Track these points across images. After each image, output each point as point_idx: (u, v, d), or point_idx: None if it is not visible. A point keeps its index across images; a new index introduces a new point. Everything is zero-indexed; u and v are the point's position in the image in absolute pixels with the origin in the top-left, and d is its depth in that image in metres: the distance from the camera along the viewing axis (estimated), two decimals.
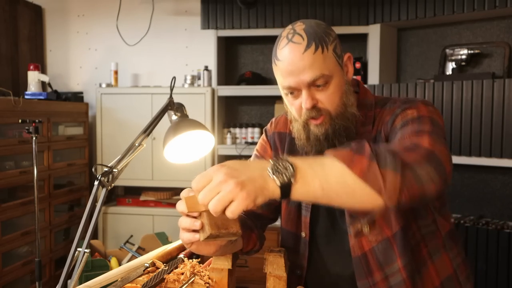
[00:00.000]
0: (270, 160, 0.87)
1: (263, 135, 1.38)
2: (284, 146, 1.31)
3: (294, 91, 1.12)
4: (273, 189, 0.85)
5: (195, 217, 0.97)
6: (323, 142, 1.14)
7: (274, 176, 0.85)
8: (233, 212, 0.83)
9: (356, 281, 1.18)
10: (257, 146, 1.39)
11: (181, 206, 0.96)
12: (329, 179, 0.86)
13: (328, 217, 1.24)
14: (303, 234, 1.27)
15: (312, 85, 1.10)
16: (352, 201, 0.89)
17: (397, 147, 0.95)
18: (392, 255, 1.14)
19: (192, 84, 3.53)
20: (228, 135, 3.52)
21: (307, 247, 1.26)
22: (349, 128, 1.14)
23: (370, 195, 0.87)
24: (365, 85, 3.18)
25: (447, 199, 1.26)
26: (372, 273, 1.16)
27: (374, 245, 1.15)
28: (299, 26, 1.11)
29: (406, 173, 0.87)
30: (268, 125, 1.39)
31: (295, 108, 1.15)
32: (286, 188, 0.85)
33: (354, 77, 1.26)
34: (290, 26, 1.13)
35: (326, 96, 1.11)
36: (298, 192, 0.86)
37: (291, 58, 1.08)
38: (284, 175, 0.85)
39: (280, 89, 1.17)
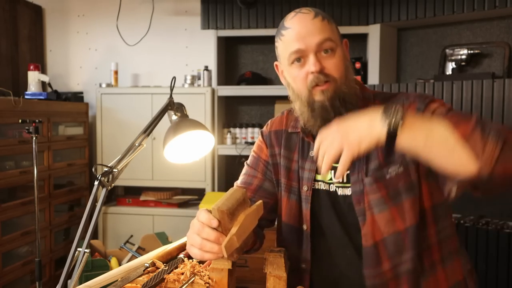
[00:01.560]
0: (382, 108, 0.94)
1: (259, 136, 1.41)
2: (281, 142, 1.33)
3: (301, 58, 1.15)
4: (379, 133, 0.94)
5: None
6: (330, 109, 1.15)
7: (384, 118, 0.94)
8: (345, 161, 0.97)
9: (361, 270, 1.18)
10: (254, 147, 1.41)
11: (205, 233, 1.00)
12: (433, 134, 0.92)
13: (333, 209, 1.25)
14: (304, 227, 1.28)
15: (319, 50, 1.14)
16: (448, 161, 0.93)
17: (495, 124, 0.95)
18: (402, 248, 1.15)
19: (192, 84, 3.53)
20: (228, 135, 3.52)
21: (309, 240, 1.27)
22: (354, 98, 1.17)
23: (467, 159, 0.90)
24: (365, 85, 3.20)
25: None
26: (381, 262, 1.17)
27: (386, 236, 1.16)
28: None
29: (506, 148, 0.90)
30: (264, 127, 1.42)
31: (300, 79, 1.17)
32: (393, 132, 0.93)
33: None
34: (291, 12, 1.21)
35: (332, 62, 1.15)
36: (404, 138, 0.93)
37: (301, 23, 1.15)
38: (394, 118, 0.93)
39: (285, 60, 1.20)
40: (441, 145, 0.93)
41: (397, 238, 1.15)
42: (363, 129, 0.96)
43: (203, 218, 1.02)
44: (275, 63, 1.29)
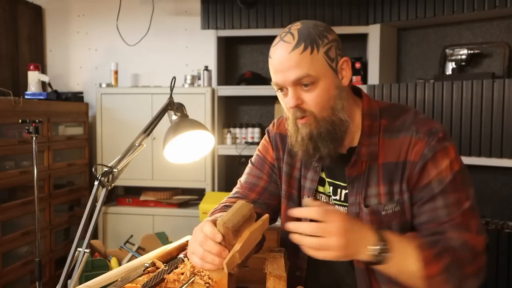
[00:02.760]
0: (377, 245, 1.00)
1: (266, 135, 1.40)
2: (285, 147, 1.32)
3: (282, 88, 1.14)
4: (363, 258, 1.00)
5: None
6: (308, 143, 1.14)
7: (372, 256, 1.00)
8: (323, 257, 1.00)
9: (356, 283, 1.19)
10: (259, 146, 1.40)
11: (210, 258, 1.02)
12: (404, 270, 1.03)
13: None
14: None
15: (297, 84, 1.10)
16: (408, 285, 1.07)
17: (464, 255, 1.05)
18: (388, 277, 1.14)
19: (192, 84, 3.53)
20: (228, 135, 3.51)
21: None
22: (334, 133, 1.13)
23: None
24: (365, 85, 3.19)
25: None
26: (371, 284, 1.18)
27: None
28: (296, 26, 1.13)
29: None
30: (270, 125, 1.40)
31: (284, 106, 1.17)
32: (372, 264, 1.02)
33: (356, 81, 1.26)
34: (288, 26, 1.15)
35: (312, 97, 1.10)
36: (378, 268, 1.03)
37: (279, 56, 1.11)
38: (379, 258, 1.00)
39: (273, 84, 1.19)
40: (407, 279, 1.05)
41: None
42: (359, 246, 1.00)
43: (207, 230, 1.02)
44: None
